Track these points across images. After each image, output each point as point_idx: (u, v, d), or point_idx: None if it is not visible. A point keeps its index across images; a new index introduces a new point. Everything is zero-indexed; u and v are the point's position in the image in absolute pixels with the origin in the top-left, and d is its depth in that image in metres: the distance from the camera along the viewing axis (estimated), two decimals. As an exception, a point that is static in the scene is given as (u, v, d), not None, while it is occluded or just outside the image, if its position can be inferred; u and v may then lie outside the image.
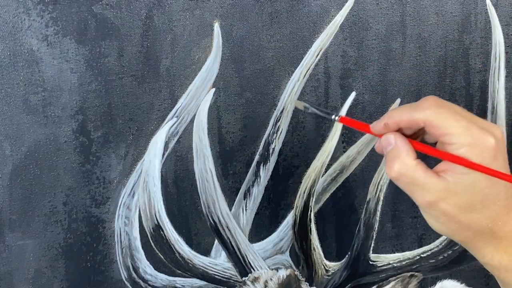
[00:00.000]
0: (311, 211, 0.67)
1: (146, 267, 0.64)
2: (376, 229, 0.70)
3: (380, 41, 0.67)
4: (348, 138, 0.68)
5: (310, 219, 0.68)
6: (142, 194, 0.63)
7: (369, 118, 0.68)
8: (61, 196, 0.61)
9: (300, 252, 0.68)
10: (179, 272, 0.65)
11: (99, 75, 0.60)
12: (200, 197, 0.64)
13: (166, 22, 0.61)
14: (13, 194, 0.59)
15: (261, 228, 0.67)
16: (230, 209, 0.66)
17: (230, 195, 0.66)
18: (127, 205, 0.63)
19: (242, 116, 0.65)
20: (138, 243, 0.64)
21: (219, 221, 0.65)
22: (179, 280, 0.65)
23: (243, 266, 0.67)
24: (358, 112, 0.68)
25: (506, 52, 0.70)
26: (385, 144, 0.49)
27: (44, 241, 0.61)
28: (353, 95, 0.67)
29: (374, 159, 0.69)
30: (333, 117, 0.52)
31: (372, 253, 0.70)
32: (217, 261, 0.66)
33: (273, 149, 0.66)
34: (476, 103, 0.71)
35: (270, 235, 0.68)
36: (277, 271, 0.68)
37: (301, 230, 0.68)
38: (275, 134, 0.66)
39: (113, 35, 0.60)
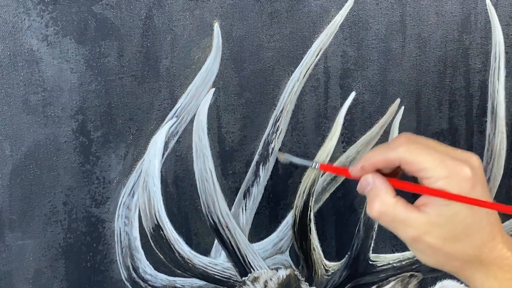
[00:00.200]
0: (310, 211, 0.67)
1: (146, 267, 0.64)
2: (376, 229, 0.70)
3: (380, 41, 0.67)
4: (347, 138, 0.68)
5: (309, 219, 0.68)
6: (142, 194, 0.63)
7: (369, 118, 0.68)
8: (61, 196, 0.61)
9: (300, 252, 0.68)
10: (179, 272, 0.65)
11: (99, 75, 0.60)
12: (200, 197, 0.64)
13: (166, 22, 0.61)
14: (13, 194, 0.59)
15: (260, 228, 0.67)
16: (230, 209, 0.66)
17: (230, 195, 0.66)
18: (127, 205, 0.63)
19: (241, 116, 0.65)
20: (138, 243, 0.64)
21: (219, 221, 0.65)
22: (179, 280, 0.65)
23: (242, 266, 0.67)
24: (358, 112, 0.68)
25: (506, 52, 0.70)
26: (364, 184, 0.51)
27: (44, 241, 0.61)
28: (352, 95, 0.68)
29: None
30: (312, 165, 0.53)
31: (372, 253, 0.71)
32: (217, 261, 0.66)
33: (273, 148, 0.66)
34: (476, 103, 0.71)
35: (269, 235, 0.68)
36: (277, 271, 0.68)
37: (300, 230, 0.68)
38: (274, 134, 0.66)
39: (113, 35, 0.60)
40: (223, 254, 0.66)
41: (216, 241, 0.66)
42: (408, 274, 0.72)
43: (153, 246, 0.64)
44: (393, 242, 0.72)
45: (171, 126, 0.63)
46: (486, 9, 0.69)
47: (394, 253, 0.72)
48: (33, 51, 0.58)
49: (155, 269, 0.64)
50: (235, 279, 0.67)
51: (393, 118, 0.69)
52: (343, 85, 0.67)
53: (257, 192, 0.66)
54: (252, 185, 0.66)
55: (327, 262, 0.70)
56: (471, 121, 0.71)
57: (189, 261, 0.65)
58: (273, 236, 0.68)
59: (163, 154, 0.63)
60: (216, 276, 0.66)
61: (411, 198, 0.50)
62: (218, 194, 0.65)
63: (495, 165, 0.72)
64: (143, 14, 0.60)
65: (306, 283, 0.69)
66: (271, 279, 0.67)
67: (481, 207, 0.47)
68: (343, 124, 0.67)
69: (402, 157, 0.48)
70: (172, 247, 0.64)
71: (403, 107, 0.69)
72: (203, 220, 0.65)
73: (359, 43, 0.67)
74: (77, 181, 0.61)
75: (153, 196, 0.63)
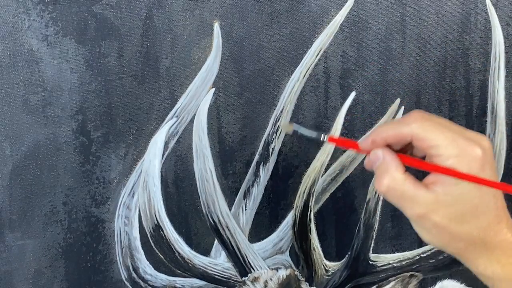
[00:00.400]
0: (311, 211, 0.67)
1: (146, 267, 0.64)
2: (376, 229, 0.70)
3: (380, 41, 0.67)
4: (348, 138, 0.68)
5: (310, 219, 0.68)
6: (142, 194, 0.63)
7: (369, 118, 0.68)
8: (61, 196, 0.61)
9: (300, 252, 0.68)
10: (179, 272, 0.65)
11: (99, 75, 0.60)
12: (200, 197, 0.64)
13: (166, 22, 0.61)
14: (13, 194, 0.59)
15: (261, 228, 0.67)
16: (230, 209, 0.66)
17: (230, 195, 0.66)
18: (127, 205, 0.63)
19: (242, 116, 0.65)
20: (138, 243, 0.64)
21: (219, 221, 0.65)
22: (179, 280, 0.65)
23: (243, 266, 0.67)
24: (358, 112, 0.68)
25: (506, 52, 0.70)
26: (373, 159, 0.50)
27: (44, 241, 0.61)
28: (352, 95, 0.68)
29: (374, 159, 0.69)
30: (321, 137, 0.52)
31: (372, 253, 0.70)
32: (217, 261, 0.66)
33: (273, 149, 0.66)
34: (476, 103, 0.71)
35: (270, 235, 0.68)
36: (277, 271, 0.68)
37: (301, 230, 0.68)
38: (274, 134, 0.66)
39: (113, 35, 0.60)
40: (223, 254, 0.66)
41: (216, 241, 0.66)
42: (408, 274, 0.72)
43: (153, 246, 0.64)
44: (393, 242, 0.72)
45: (171, 126, 0.63)
46: (486, 9, 0.69)
47: (394, 253, 0.72)
48: (33, 51, 0.58)
49: (155, 269, 0.64)
50: (235, 279, 0.67)
51: (393, 118, 0.69)
52: (343, 85, 0.67)
53: (257, 192, 0.66)
54: (252, 185, 0.66)
55: (327, 262, 0.70)
56: (471, 121, 0.71)
57: (189, 261, 0.65)
58: (273, 236, 0.68)
59: (163, 154, 0.63)
60: (216, 276, 0.66)
61: (419, 177, 0.49)
62: (218, 194, 0.65)
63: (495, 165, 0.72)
64: (143, 14, 0.60)
65: (306, 283, 0.69)
66: (271, 279, 0.67)
67: (489, 190, 0.47)
68: (343, 124, 0.67)
69: (414, 133, 0.47)
70: (172, 247, 0.64)
71: (403, 107, 0.69)
72: (203, 220, 0.65)
73: (359, 43, 0.67)
74: (77, 181, 0.61)
75: (153, 196, 0.63)
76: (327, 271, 0.70)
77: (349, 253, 0.70)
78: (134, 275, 0.64)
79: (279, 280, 0.67)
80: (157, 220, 0.64)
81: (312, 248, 0.68)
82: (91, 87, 0.60)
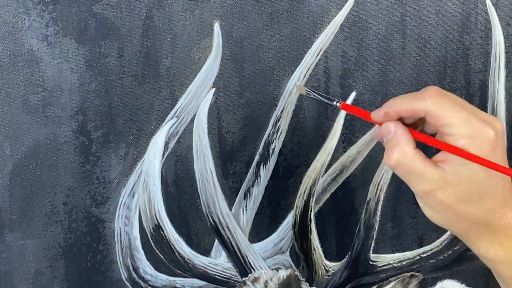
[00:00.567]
0: (311, 211, 0.67)
1: (146, 267, 0.64)
2: (376, 229, 0.70)
3: (380, 41, 0.67)
4: (348, 138, 0.68)
5: (310, 219, 0.68)
6: (142, 194, 0.63)
7: (369, 118, 0.68)
8: (61, 196, 0.61)
9: (300, 252, 0.68)
10: (179, 272, 0.65)
11: (99, 75, 0.60)
12: (200, 197, 0.64)
13: (166, 22, 0.61)
14: (13, 194, 0.59)
15: (261, 228, 0.67)
16: (230, 209, 0.66)
17: (230, 195, 0.66)
18: (127, 205, 0.63)
19: (242, 116, 0.65)
20: (138, 243, 0.64)
21: (219, 221, 0.65)
22: (179, 280, 0.65)
23: (243, 266, 0.67)
24: (358, 112, 0.68)
25: (506, 52, 0.70)
26: (385, 132, 0.49)
27: (44, 241, 0.61)
28: (353, 95, 0.68)
29: (374, 159, 0.69)
30: (334, 103, 0.52)
31: (372, 253, 0.70)
32: (217, 261, 0.66)
33: (273, 149, 0.66)
34: (476, 103, 0.71)
35: (270, 235, 0.68)
36: (277, 271, 0.68)
37: (301, 230, 0.68)
38: (275, 134, 0.66)
39: (113, 35, 0.60)
40: (224, 254, 0.66)
41: (216, 241, 0.66)
42: (409, 274, 0.72)
43: (153, 246, 0.64)
44: (394, 242, 0.72)
45: (172, 126, 0.63)
46: (486, 9, 0.69)
47: (394, 253, 0.72)
48: (33, 51, 0.58)
49: (155, 269, 0.64)
50: (235, 279, 0.67)
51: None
52: (344, 85, 0.67)
53: (258, 192, 0.66)
54: (253, 185, 0.66)
55: (327, 262, 0.70)
56: (471, 121, 0.71)
57: (189, 261, 0.65)
58: (274, 236, 0.68)
59: (164, 154, 0.63)
60: (217, 276, 0.66)
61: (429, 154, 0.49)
62: (218, 194, 0.65)
63: (495, 165, 0.72)
64: (143, 14, 0.60)
65: (307, 283, 0.69)
66: (271, 279, 0.67)
67: (498, 172, 0.47)
68: (344, 124, 0.67)
69: (429, 109, 0.47)
70: (172, 247, 0.64)
71: (403, 107, 0.69)
72: (204, 220, 0.65)
73: (359, 43, 0.67)
74: (77, 181, 0.61)
75: (153, 196, 0.63)
76: (327, 271, 0.70)
77: (349, 253, 0.70)
78: (134, 275, 0.64)
79: (280, 280, 0.67)
80: (157, 220, 0.64)
81: (312, 248, 0.68)
82: (91, 87, 0.60)
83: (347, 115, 0.67)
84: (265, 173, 0.66)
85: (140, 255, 0.64)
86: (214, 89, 0.63)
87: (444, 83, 0.70)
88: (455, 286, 0.73)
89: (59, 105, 0.59)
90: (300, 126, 0.66)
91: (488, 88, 0.71)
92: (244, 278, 0.67)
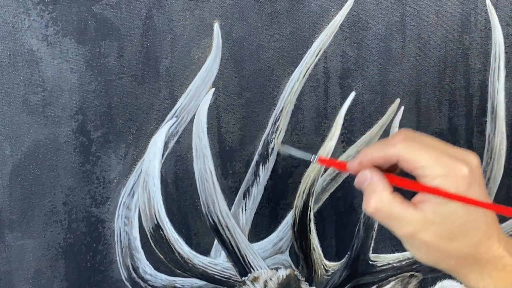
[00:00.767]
0: (310, 211, 0.67)
1: (146, 267, 0.64)
2: (376, 229, 0.70)
3: (380, 41, 0.67)
4: (347, 138, 0.68)
5: (309, 218, 0.68)
6: (142, 194, 0.63)
7: (368, 118, 0.68)
8: (61, 196, 0.61)
9: (300, 252, 0.68)
10: (179, 272, 0.65)
11: (99, 75, 0.60)
12: (200, 197, 0.64)
13: (166, 22, 0.61)
14: (13, 194, 0.59)
15: (260, 228, 0.67)
16: (230, 209, 0.66)
17: (230, 195, 0.66)
18: (127, 205, 0.63)
19: (241, 116, 0.65)
20: (138, 243, 0.64)
21: (219, 220, 0.65)
22: (178, 280, 0.65)
23: (242, 266, 0.67)
24: (358, 112, 0.68)
25: (506, 52, 0.70)
26: (361, 180, 0.50)
27: (44, 241, 0.61)
28: (352, 95, 0.68)
29: (373, 159, 0.69)
30: (311, 158, 0.53)
31: (372, 253, 0.70)
32: (217, 261, 0.66)
33: (273, 148, 0.66)
34: (476, 103, 0.71)
35: (269, 235, 0.68)
36: (277, 271, 0.68)
37: (300, 230, 0.68)
38: (274, 134, 0.66)
39: (113, 35, 0.60)
40: (223, 254, 0.66)
41: (216, 241, 0.66)
42: (408, 274, 0.72)
43: (153, 246, 0.64)
44: (393, 242, 0.72)
45: (171, 126, 0.63)
46: (486, 9, 0.69)
47: (394, 253, 0.72)
48: (33, 51, 0.58)
49: (155, 269, 0.64)
50: (235, 279, 0.67)
51: (393, 118, 0.69)
52: (343, 85, 0.67)
53: (257, 192, 0.66)
54: (252, 185, 0.66)
55: (327, 262, 0.70)
56: (471, 121, 0.71)
57: (189, 261, 0.65)
58: (273, 236, 0.68)
59: (163, 154, 0.63)
60: (216, 276, 0.66)
61: (410, 194, 0.49)
62: (218, 194, 0.65)
63: (495, 165, 0.72)
64: (143, 14, 0.60)
65: (306, 283, 0.69)
66: (271, 279, 0.67)
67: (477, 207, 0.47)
68: (343, 124, 0.67)
69: (400, 154, 0.48)
70: (172, 247, 0.64)
71: (403, 107, 0.69)
72: (203, 220, 0.65)
73: (359, 43, 0.67)
74: (77, 181, 0.61)
75: (153, 196, 0.63)
76: (327, 271, 0.70)
77: (349, 253, 0.70)
78: (134, 275, 0.64)
79: (279, 280, 0.67)
80: (157, 220, 0.64)
81: (311, 248, 0.68)
82: (91, 87, 0.60)
83: (346, 115, 0.67)
84: (265, 173, 0.66)
85: (140, 255, 0.64)
86: (213, 89, 0.63)
87: (444, 83, 0.70)
88: (455, 286, 0.73)
89: (59, 105, 0.59)
90: (299, 125, 0.66)
91: (488, 88, 0.71)
92: (243, 278, 0.67)
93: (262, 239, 0.68)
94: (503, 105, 0.71)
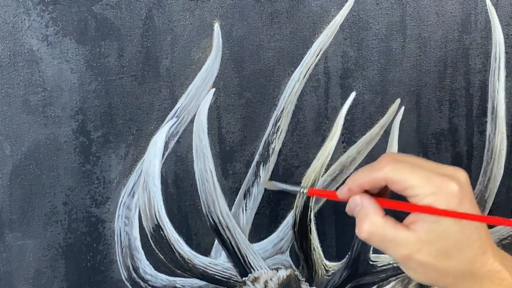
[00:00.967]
0: (311, 211, 0.67)
1: (146, 267, 0.64)
2: (376, 229, 0.70)
3: (380, 41, 0.67)
4: (348, 138, 0.68)
5: (310, 219, 0.68)
6: (142, 194, 0.63)
7: (369, 118, 0.68)
8: (61, 196, 0.61)
9: (300, 252, 0.68)
10: (179, 272, 0.65)
11: (99, 75, 0.60)
12: (200, 197, 0.64)
13: (166, 22, 0.61)
14: (13, 194, 0.59)
15: (261, 228, 0.67)
16: (230, 209, 0.66)
17: (230, 195, 0.66)
18: (127, 205, 0.63)
19: (242, 116, 0.65)
20: (138, 243, 0.64)
21: (219, 221, 0.65)
22: (179, 280, 0.65)
23: (243, 266, 0.67)
24: (358, 112, 0.68)
25: (506, 52, 0.70)
26: (353, 206, 0.51)
27: (44, 241, 0.61)
28: (353, 95, 0.68)
29: (374, 159, 0.69)
30: (301, 190, 0.54)
31: (372, 253, 0.70)
32: (217, 261, 0.66)
33: (273, 149, 0.66)
34: (476, 103, 0.71)
35: (270, 235, 0.68)
36: (277, 271, 0.68)
37: (301, 230, 0.68)
38: (275, 134, 0.66)
39: (113, 35, 0.60)
40: (223, 254, 0.66)
41: (216, 241, 0.66)
42: (408, 274, 0.71)
43: (153, 246, 0.64)
44: (393, 242, 0.72)
45: (171, 126, 0.63)
46: (486, 9, 0.69)
47: (394, 253, 0.72)
48: (33, 51, 0.58)
49: (155, 269, 0.64)
50: (235, 279, 0.67)
51: (394, 118, 0.69)
52: (344, 85, 0.67)
53: (258, 192, 0.66)
54: (253, 185, 0.66)
55: (327, 262, 0.70)
56: (471, 121, 0.71)
57: (189, 261, 0.65)
58: (273, 236, 0.68)
59: (163, 154, 0.63)
60: (216, 276, 0.66)
61: (402, 216, 0.50)
62: (218, 194, 0.65)
63: (495, 165, 0.72)
64: (143, 14, 0.60)
65: (307, 283, 0.69)
66: (271, 279, 0.67)
67: (470, 222, 0.47)
68: (344, 124, 0.67)
69: (388, 176, 0.48)
70: (172, 247, 0.64)
71: (403, 107, 0.69)
72: (203, 220, 0.65)
73: (359, 43, 0.67)
74: (77, 181, 0.61)
75: (153, 196, 0.63)
76: (327, 271, 0.70)
77: (349, 253, 0.70)
78: (134, 275, 0.64)
79: (279, 280, 0.67)
80: (157, 220, 0.64)
81: (312, 248, 0.68)
82: (91, 87, 0.60)
83: (347, 115, 0.67)
84: (265, 173, 0.66)
85: (140, 255, 0.64)
86: (214, 89, 0.63)
87: (444, 83, 0.70)
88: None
89: (59, 105, 0.59)
90: (300, 126, 0.66)
91: (488, 88, 0.71)
92: (244, 278, 0.67)
93: (263, 239, 0.68)
94: (503, 105, 0.71)
